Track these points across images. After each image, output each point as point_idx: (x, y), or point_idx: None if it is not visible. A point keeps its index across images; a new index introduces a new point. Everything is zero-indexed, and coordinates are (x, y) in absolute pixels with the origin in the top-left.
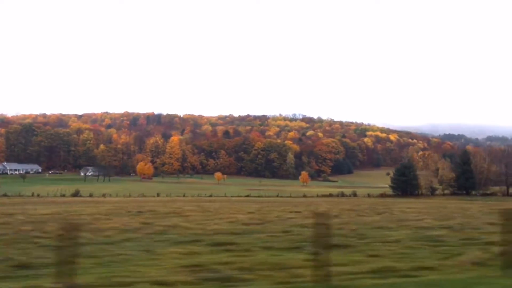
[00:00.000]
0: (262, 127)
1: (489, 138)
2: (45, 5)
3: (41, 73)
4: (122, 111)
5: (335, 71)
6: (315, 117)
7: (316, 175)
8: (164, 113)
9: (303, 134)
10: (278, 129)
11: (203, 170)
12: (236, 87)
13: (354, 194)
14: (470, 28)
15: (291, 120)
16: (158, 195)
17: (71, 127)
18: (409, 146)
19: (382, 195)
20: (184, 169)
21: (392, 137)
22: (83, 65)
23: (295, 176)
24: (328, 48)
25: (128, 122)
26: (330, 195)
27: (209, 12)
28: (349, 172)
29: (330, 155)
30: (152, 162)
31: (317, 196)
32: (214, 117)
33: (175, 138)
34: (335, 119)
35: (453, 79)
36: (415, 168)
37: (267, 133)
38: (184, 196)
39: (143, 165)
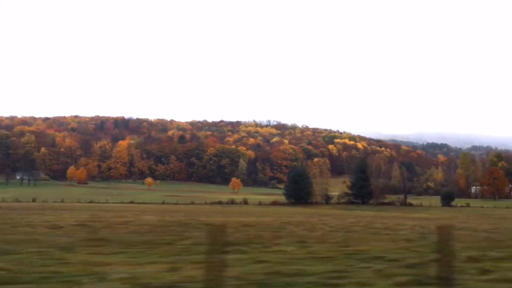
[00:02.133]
0: (228, 133)
1: (474, 148)
2: (31, 8)
3: (21, 75)
4: (93, 115)
5: (325, 79)
6: (291, 124)
7: (268, 182)
8: (135, 117)
9: (267, 141)
10: (244, 134)
11: (152, 176)
12: (216, 94)
13: (245, 202)
14: (460, 39)
15: (262, 126)
16: (33, 200)
17: (14, 129)
18: (375, 154)
19: (274, 203)
20: (132, 174)
21: (360, 145)
22: (69, 68)
23: (246, 183)
24: (315, 54)
25: (93, 126)
26: (220, 203)
27: (194, 17)
28: None
29: (286, 162)
30: (98, 166)
31: (205, 203)
32: (186, 122)
33: (123, 143)
34: (310, 126)
35: (443, 89)
36: (308, 176)
37: (226, 139)
38: (61, 202)
39: (74, 170)
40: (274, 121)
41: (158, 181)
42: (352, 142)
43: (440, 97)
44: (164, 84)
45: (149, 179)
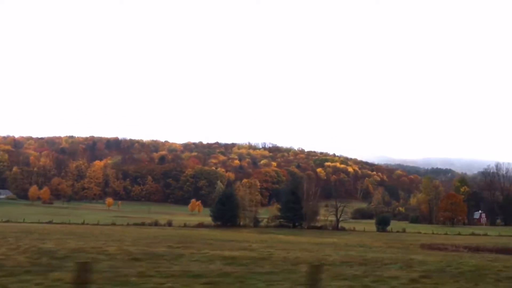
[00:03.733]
0: (215, 155)
1: (480, 173)
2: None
3: (24, 96)
4: (88, 135)
5: (333, 105)
6: (286, 147)
7: None
8: (128, 138)
9: (254, 163)
10: (234, 156)
11: (127, 196)
12: (215, 117)
13: (169, 224)
14: (469, 64)
15: (255, 149)
16: None
17: None
18: (365, 178)
19: (199, 225)
20: (106, 194)
21: (351, 168)
22: (72, 90)
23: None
24: (323, 79)
25: (83, 147)
26: (142, 224)
27: (193, 35)
28: None
29: (267, 184)
30: (72, 186)
31: (113, 224)
32: (179, 143)
33: (99, 163)
34: (306, 150)
35: (453, 115)
36: (235, 198)
37: (209, 160)
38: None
39: (37, 189)
40: (269, 143)
41: (120, 202)
42: (342, 166)
43: (449, 123)
44: (164, 106)
45: (109, 200)
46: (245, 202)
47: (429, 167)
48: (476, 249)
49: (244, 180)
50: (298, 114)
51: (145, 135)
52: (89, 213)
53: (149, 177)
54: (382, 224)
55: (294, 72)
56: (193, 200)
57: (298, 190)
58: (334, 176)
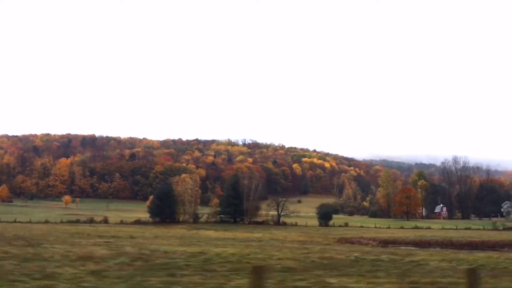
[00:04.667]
0: (189, 152)
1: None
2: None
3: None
4: (64, 133)
5: (321, 103)
6: (267, 143)
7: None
8: (105, 135)
9: (229, 159)
10: (212, 153)
11: (95, 194)
12: (196, 113)
13: (106, 221)
14: (455, 62)
15: (233, 145)
16: None
17: None
18: (341, 173)
19: (136, 222)
20: (72, 192)
21: (328, 164)
22: (63, 87)
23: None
24: (304, 73)
25: (58, 144)
26: (77, 221)
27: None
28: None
29: None
30: (37, 184)
31: (46, 222)
32: (157, 140)
33: (65, 160)
34: (287, 146)
35: (439, 111)
36: (173, 193)
37: (183, 157)
38: None
39: None
40: (250, 140)
41: (78, 199)
42: (319, 161)
43: (436, 119)
44: (144, 103)
45: (67, 197)
46: (184, 198)
47: (413, 163)
48: (393, 242)
49: (183, 175)
50: (281, 110)
51: (123, 132)
52: (41, 212)
53: (117, 174)
54: (324, 219)
55: (291, 71)
56: (151, 197)
57: (239, 186)
58: (310, 171)
